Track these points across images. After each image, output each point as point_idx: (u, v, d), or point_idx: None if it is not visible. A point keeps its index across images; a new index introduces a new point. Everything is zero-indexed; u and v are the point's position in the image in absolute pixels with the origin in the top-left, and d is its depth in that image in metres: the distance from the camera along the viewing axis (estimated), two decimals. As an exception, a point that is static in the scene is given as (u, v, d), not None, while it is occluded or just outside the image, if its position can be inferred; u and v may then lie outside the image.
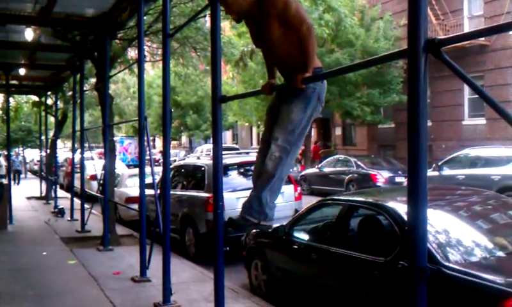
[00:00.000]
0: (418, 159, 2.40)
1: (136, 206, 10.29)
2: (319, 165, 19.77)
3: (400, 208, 4.62)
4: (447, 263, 3.92)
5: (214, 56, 4.57)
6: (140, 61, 7.25)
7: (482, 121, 20.27)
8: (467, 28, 20.83)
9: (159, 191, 7.51)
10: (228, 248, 6.11)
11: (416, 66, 2.40)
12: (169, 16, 6.24)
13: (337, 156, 19.98)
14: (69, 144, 32.98)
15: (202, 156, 11.78)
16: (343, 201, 5.48)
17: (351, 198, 5.59)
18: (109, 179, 9.99)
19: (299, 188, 9.58)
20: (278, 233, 6.28)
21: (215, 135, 4.65)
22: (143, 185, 7.51)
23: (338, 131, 29.26)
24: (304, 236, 6.08)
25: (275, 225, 7.40)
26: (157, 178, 9.93)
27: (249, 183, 9.25)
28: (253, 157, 10.30)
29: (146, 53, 13.30)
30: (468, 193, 6.11)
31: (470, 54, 19.76)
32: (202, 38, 11.58)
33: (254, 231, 7.18)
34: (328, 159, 19.97)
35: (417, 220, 2.41)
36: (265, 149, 3.55)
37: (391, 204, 4.83)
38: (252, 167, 9.54)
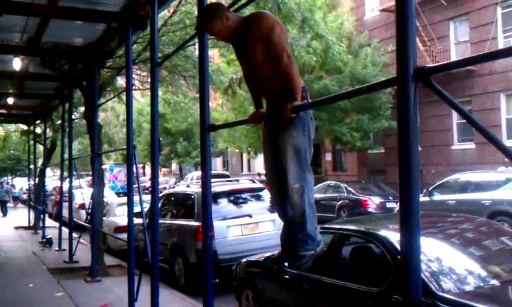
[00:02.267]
0: (410, 187, 2.34)
1: (124, 235, 10.15)
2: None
3: (393, 236, 4.56)
4: (441, 293, 3.86)
5: (202, 85, 4.54)
6: (128, 89, 7.21)
7: (471, 145, 20.38)
8: (454, 54, 21.08)
9: (147, 220, 7.41)
10: (218, 280, 6.01)
11: (405, 95, 2.36)
12: (157, 45, 6.22)
13: (328, 182, 19.94)
14: (58, 172, 32.75)
15: (192, 184, 11.69)
16: (334, 230, 5.41)
17: (342, 227, 5.52)
18: (98, 208, 9.86)
19: (290, 216, 9.49)
20: (269, 262, 6.17)
21: (204, 163, 4.59)
22: (131, 214, 7.39)
23: (328, 157, 29.30)
24: (295, 266, 5.99)
25: (266, 254, 7.33)
26: (146, 206, 9.94)
27: (239, 210, 9.27)
28: (243, 183, 10.24)
29: (135, 81, 13.31)
30: (459, 220, 6.08)
31: (458, 79, 19.95)
32: (191, 66, 11.60)
33: (244, 260, 7.07)
34: (319, 185, 19.89)
35: (410, 250, 2.34)
36: (275, 177, 3.57)
37: (383, 232, 4.77)
38: (242, 195, 9.53)
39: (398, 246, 4.38)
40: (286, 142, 3.40)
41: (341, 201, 17.16)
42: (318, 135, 24.57)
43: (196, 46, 13.89)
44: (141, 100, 34.72)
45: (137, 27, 7.00)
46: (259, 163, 35.43)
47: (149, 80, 12.56)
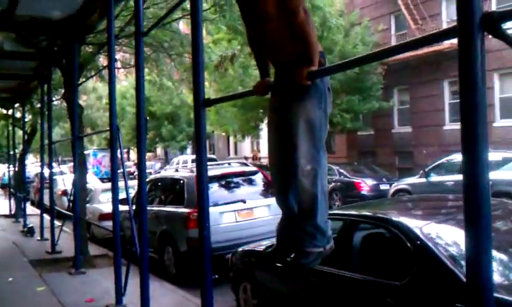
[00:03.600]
0: (477, 173, 1.81)
1: (110, 223, 9.57)
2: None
3: (411, 223, 4.07)
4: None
5: (196, 55, 3.94)
6: (111, 65, 6.60)
7: (463, 125, 19.90)
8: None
9: (134, 207, 6.88)
10: (217, 276, 5.52)
11: (470, 46, 1.82)
12: (143, 13, 5.61)
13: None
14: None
15: (180, 168, 11.08)
16: (344, 216, 4.88)
17: (353, 212, 5.00)
18: (80, 195, 9.27)
19: (286, 200, 8.94)
20: (265, 257, 5.64)
21: (199, 144, 4.02)
22: (116, 201, 6.83)
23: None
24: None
25: (265, 242, 6.81)
26: (132, 192, 9.36)
27: (232, 195, 8.70)
28: (235, 167, 9.68)
29: (118, 63, 12.64)
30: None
31: (449, 59, 19.45)
32: (178, 42, 10.94)
33: (241, 249, 6.55)
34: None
35: (479, 259, 1.75)
36: (280, 161, 2.97)
37: (401, 218, 4.26)
38: (235, 179, 8.98)
39: (419, 233, 3.89)
40: (298, 115, 2.81)
41: (333, 184, 16.69)
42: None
43: (181, 23, 13.26)
44: (124, 82, 33.98)
45: (120, -5, 6.38)
46: (246, 147, 34.90)
47: (132, 62, 11.94)
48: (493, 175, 11.43)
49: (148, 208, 8.13)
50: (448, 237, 3.99)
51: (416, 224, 4.08)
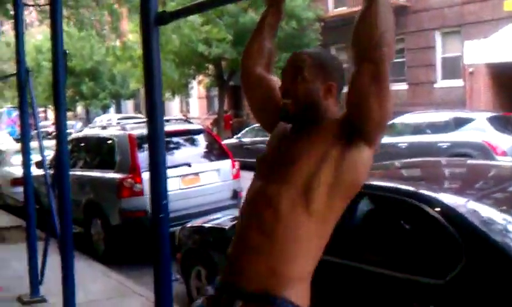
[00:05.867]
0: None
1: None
2: (238, 136, 17.99)
3: (457, 200, 2.98)
4: None
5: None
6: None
7: (404, 86, 19.39)
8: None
9: (51, 171, 5.50)
10: (178, 277, 4.29)
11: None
12: None
13: (256, 125, 18.27)
14: None
15: (110, 125, 9.50)
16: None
17: (374, 183, 3.37)
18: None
19: (236, 164, 7.69)
20: (232, 230, 4.42)
21: (149, 82, 2.66)
22: (27, 163, 5.40)
23: (250, 99, 27.62)
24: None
25: (217, 215, 5.63)
26: (51, 154, 7.75)
27: (175, 158, 7.13)
28: (177, 125, 8.26)
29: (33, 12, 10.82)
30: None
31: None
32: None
33: (190, 225, 5.28)
34: (246, 129, 18.31)
35: None
36: None
37: (444, 196, 3.09)
38: (176, 139, 7.59)
39: (469, 215, 2.81)
40: None
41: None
42: (238, 77, 22.78)
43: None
44: (39, 36, 31.27)
45: None
46: (175, 106, 33.11)
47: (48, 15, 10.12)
48: (449, 137, 10.81)
49: (70, 172, 6.72)
50: (495, 217, 2.94)
51: (456, 201, 2.99)
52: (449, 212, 2.85)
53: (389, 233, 3.23)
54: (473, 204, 2.97)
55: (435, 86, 17.92)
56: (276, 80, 2.08)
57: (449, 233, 2.79)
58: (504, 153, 10.24)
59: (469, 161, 6.15)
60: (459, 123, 11.22)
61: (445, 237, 2.81)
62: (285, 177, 1.77)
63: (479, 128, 10.69)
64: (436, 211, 2.89)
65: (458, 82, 17.74)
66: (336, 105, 1.88)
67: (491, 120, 10.90)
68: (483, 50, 16.39)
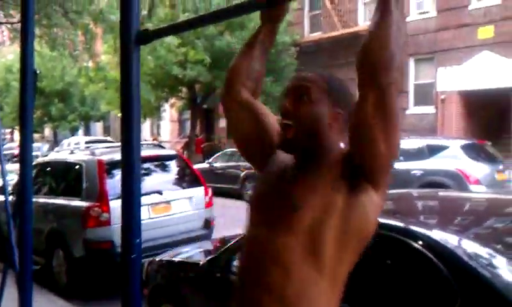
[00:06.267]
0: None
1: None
2: (209, 161, 17.67)
3: (449, 238, 2.76)
4: None
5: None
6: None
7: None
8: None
9: (13, 198, 5.11)
10: None
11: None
12: None
13: (228, 150, 18.01)
14: None
15: (78, 149, 9.07)
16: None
17: None
18: None
19: (210, 191, 7.38)
20: (207, 266, 4.11)
21: (127, 106, 2.36)
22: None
23: (222, 123, 27.32)
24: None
25: (186, 248, 5.31)
26: (14, 179, 7.45)
27: (145, 185, 6.84)
28: (148, 150, 7.92)
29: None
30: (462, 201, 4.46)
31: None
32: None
33: (159, 259, 4.95)
34: (218, 154, 18.02)
35: None
36: None
37: (435, 234, 2.87)
38: (147, 165, 7.26)
39: (464, 256, 2.60)
40: None
41: (246, 171, 15.33)
42: (212, 100, 22.60)
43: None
44: (10, 56, 30.70)
45: None
46: (146, 129, 32.63)
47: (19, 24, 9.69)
48: (423, 165, 10.73)
49: (33, 199, 6.33)
50: (487, 256, 2.73)
51: (448, 239, 2.78)
52: (440, 250, 2.62)
53: (377, 272, 2.98)
54: (465, 242, 2.75)
55: (407, 112, 17.97)
56: (266, 108, 1.83)
57: (439, 272, 2.55)
58: (477, 182, 10.21)
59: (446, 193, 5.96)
60: (433, 150, 11.17)
61: (435, 277, 2.58)
62: (290, 227, 1.52)
63: (453, 156, 10.66)
64: (424, 248, 2.66)
65: (430, 109, 17.85)
66: (342, 139, 1.62)
67: (465, 148, 10.89)
68: (456, 77, 16.55)
